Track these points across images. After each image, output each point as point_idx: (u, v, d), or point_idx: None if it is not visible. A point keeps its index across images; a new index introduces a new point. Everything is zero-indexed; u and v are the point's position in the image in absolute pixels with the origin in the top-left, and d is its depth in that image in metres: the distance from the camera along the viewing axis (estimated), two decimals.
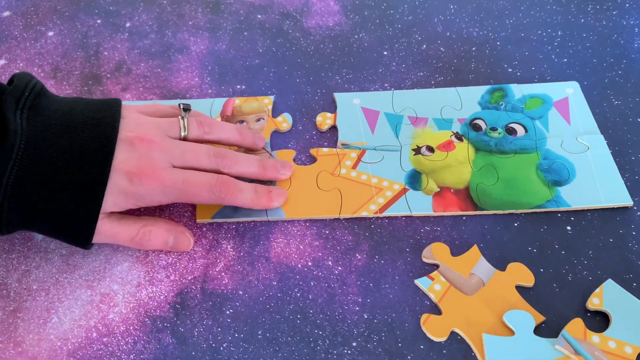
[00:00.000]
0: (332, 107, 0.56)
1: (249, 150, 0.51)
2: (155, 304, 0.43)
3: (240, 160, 0.46)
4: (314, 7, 0.67)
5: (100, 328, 0.42)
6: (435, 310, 0.42)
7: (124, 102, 0.43)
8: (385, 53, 0.61)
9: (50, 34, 0.65)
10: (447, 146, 0.51)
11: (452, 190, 0.48)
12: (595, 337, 0.39)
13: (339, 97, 0.56)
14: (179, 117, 0.46)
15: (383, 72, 0.59)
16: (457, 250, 0.45)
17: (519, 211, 0.47)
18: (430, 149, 0.51)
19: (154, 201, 0.42)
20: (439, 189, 0.48)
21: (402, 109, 0.55)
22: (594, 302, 0.41)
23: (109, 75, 0.60)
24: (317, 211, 0.47)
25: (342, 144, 0.52)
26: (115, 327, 0.42)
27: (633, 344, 0.38)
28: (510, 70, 0.58)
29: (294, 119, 0.55)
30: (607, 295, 0.41)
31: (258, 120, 0.54)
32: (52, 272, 0.45)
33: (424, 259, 0.44)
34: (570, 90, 0.55)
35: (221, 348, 0.41)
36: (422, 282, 0.43)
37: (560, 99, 0.55)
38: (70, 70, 0.60)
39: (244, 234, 0.47)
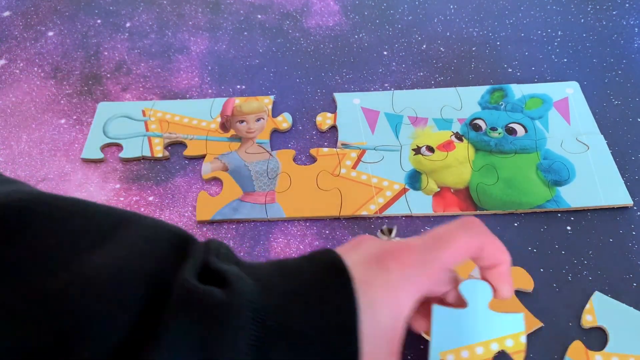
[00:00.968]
0: (332, 107, 0.56)
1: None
2: None
3: None
4: (314, 7, 0.67)
5: None
6: None
7: None
8: (385, 53, 0.61)
9: (50, 34, 0.65)
10: (447, 146, 0.51)
11: (452, 190, 0.48)
12: (598, 357, 0.39)
13: (339, 97, 0.56)
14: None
15: (383, 72, 0.59)
16: None
17: (519, 211, 0.47)
18: (430, 149, 0.51)
19: None
20: (439, 189, 0.48)
21: (402, 109, 0.54)
22: (588, 319, 0.41)
23: (109, 75, 0.60)
24: (317, 211, 0.47)
25: (342, 144, 0.52)
26: None
27: (636, 355, 0.38)
28: (510, 70, 0.58)
29: (294, 119, 0.55)
30: (598, 310, 0.41)
31: (258, 120, 0.54)
32: None
33: None
34: (570, 90, 0.55)
35: None
36: None
37: (560, 99, 0.55)
38: (70, 70, 0.60)
39: (244, 234, 0.47)
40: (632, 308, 0.41)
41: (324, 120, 0.54)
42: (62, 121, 0.56)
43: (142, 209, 0.48)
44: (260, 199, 0.48)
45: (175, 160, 0.52)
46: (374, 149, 0.51)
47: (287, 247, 0.46)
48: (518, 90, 0.55)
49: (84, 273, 0.24)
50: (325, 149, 0.52)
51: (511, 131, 0.52)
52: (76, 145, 0.53)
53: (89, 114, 0.56)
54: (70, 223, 0.26)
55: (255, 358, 0.24)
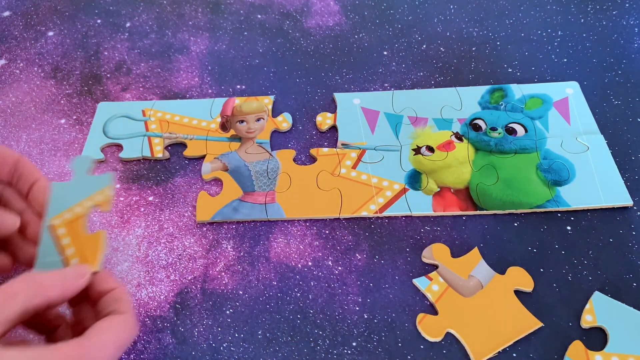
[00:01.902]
0: (332, 107, 0.56)
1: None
2: (155, 304, 0.43)
3: None
4: (314, 7, 0.67)
5: None
6: (432, 310, 0.42)
7: None
8: (385, 53, 0.61)
9: (50, 34, 0.65)
10: (447, 146, 0.51)
11: (452, 190, 0.48)
12: (598, 357, 0.39)
13: (339, 97, 0.56)
14: None
15: (383, 72, 0.59)
16: (457, 250, 0.45)
17: (519, 211, 0.47)
18: (430, 149, 0.51)
19: None
20: (439, 189, 0.48)
21: (402, 109, 0.55)
22: (587, 319, 0.41)
23: (109, 75, 0.60)
24: (317, 211, 0.47)
25: (342, 144, 0.52)
26: None
27: (636, 355, 0.38)
28: (510, 70, 0.58)
29: (294, 119, 0.55)
30: (598, 310, 0.41)
31: (258, 120, 0.54)
32: None
33: (424, 259, 0.44)
34: (570, 90, 0.55)
35: (221, 348, 0.41)
36: (420, 282, 0.43)
37: (560, 99, 0.55)
38: (70, 70, 0.60)
39: (244, 234, 0.47)
40: (632, 308, 0.41)
41: (324, 120, 0.54)
42: (62, 121, 0.56)
43: (142, 209, 0.48)
44: (260, 199, 0.48)
45: (175, 160, 0.52)
46: (374, 149, 0.51)
47: (287, 247, 0.46)
48: (518, 90, 0.55)
49: None
50: (325, 149, 0.52)
51: (511, 131, 0.52)
52: (76, 145, 0.53)
53: (89, 114, 0.56)
54: None
55: None
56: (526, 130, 0.52)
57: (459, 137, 0.52)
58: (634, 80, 0.57)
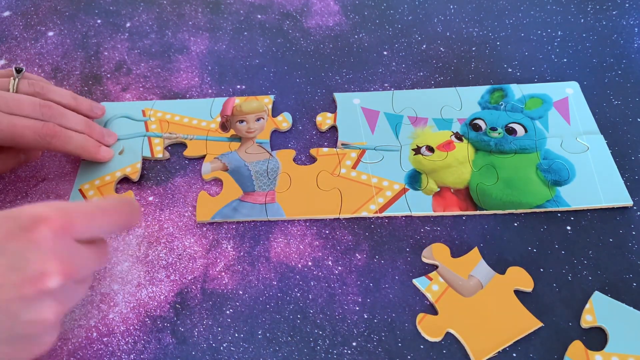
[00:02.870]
0: (332, 107, 0.56)
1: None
2: (155, 303, 0.43)
3: (67, 115, 0.48)
4: (314, 7, 0.67)
5: (101, 328, 0.42)
6: (432, 310, 0.42)
7: None
8: (385, 53, 0.61)
9: (50, 34, 0.65)
10: (447, 146, 0.51)
11: (452, 190, 0.48)
12: (598, 357, 0.39)
13: (339, 97, 0.56)
14: (11, 77, 0.48)
15: (383, 72, 0.59)
16: (457, 250, 0.45)
17: (519, 211, 0.47)
18: (430, 149, 0.51)
19: None
20: (438, 189, 0.48)
21: (402, 109, 0.55)
22: (587, 319, 0.41)
23: (109, 75, 0.60)
24: (317, 211, 0.47)
25: (342, 144, 0.52)
26: (116, 327, 0.42)
27: (636, 355, 0.38)
28: (510, 70, 0.58)
29: (294, 118, 0.55)
30: (598, 310, 0.41)
31: (258, 119, 0.54)
32: None
33: (424, 259, 0.45)
34: (570, 90, 0.55)
35: (221, 348, 0.41)
36: (420, 282, 0.43)
37: (560, 99, 0.55)
38: (70, 70, 0.60)
39: (244, 234, 0.47)
40: (632, 308, 0.41)
41: (324, 120, 0.54)
42: None
43: (142, 209, 0.48)
44: (260, 199, 0.48)
45: (175, 160, 0.52)
46: (374, 149, 0.51)
47: (287, 247, 0.46)
48: (518, 90, 0.55)
49: None
50: (325, 149, 0.52)
51: (511, 131, 0.52)
52: None
53: None
54: None
55: None
56: (526, 130, 0.52)
57: (459, 137, 0.52)
58: (634, 80, 0.57)
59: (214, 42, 0.63)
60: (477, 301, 0.42)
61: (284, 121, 0.54)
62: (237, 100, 0.56)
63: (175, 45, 0.63)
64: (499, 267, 0.44)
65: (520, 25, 0.63)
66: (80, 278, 0.33)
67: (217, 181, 0.50)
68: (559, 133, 0.52)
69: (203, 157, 0.52)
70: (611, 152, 0.50)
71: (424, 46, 0.61)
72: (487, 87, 0.56)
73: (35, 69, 0.61)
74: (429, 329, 0.41)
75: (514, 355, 0.39)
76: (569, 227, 0.46)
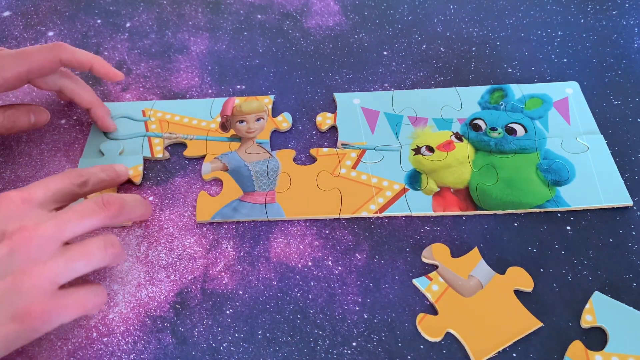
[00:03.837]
0: (332, 107, 0.56)
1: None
2: (155, 304, 0.43)
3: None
4: (314, 7, 0.67)
5: (100, 328, 0.42)
6: (432, 310, 0.42)
7: None
8: (385, 53, 0.61)
9: (50, 34, 0.65)
10: (447, 146, 0.51)
11: (452, 190, 0.48)
12: (598, 357, 0.39)
13: (339, 97, 0.56)
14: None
15: (383, 72, 0.59)
16: (457, 250, 0.45)
17: (519, 211, 0.47)
18: (430, 149, 0.51)
19: None
20: (438, 189, 0.48)
21: (402, 109, 0.55)
22: (587, 319, 0.41)
23: None
24: (317, 211, 0.47)
25: (342, 144, 0.52)
26: (116, 327, 0.42)
27: (636, 355, 0.38)
28: (510, 70, 0.58)
29: (294, 118, 0.55)
30: (598, 310, 0.41)
31: (258, 119, 0.54)
32: None
33: (424, 259, 0.45)
34: (570, 90, 0.55)
35: (221, 348, 0.41)
36: (419, 282, 0.43)
37: (560, 99, 0.55)
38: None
39: (244, 234, 0.47)
40: (632, 308, 0.41)
41: (324, 120, 0.54)
42: (62, 121, 0.56)
43: None
44: (260, 199, 0.48)
45: (175, 160, 0.52)
46: (374, 149, 0.51)
47: (287, 247, 0.46)
48: (518, 90, 0.55)
49: None
50: (325, 149, 0.52)
51: (511, 131, 0.52)
52: (76, 145, 0.53)
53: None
54: None
55: None
56: (526, 130, 0.52)
57: (459, 137, 0.52)
58: (634, 80, 0.57)
59: (214, 42, 0.63)
60: (477, 301, 0.42)
61: (284, 121, 0.54)
62: (237, 100, 0.56)
63: (175, 45, 0.63)
64: (499, 267, 0.44)
65: (520, 25, 0.63)
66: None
67: (217, 181, 0.50)
68: (559, 133, 0.52)
69: (203, 157, 0.52)
70: (611, 152, 0.50)
71: (424, 46, 0.61)
72: (487, 87, 0.56)
73: None
74: (429, 329, 0.41)
75: (514, 355, 0.39)
76: (569, 227, 0.46)
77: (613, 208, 0.47)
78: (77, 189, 0.42)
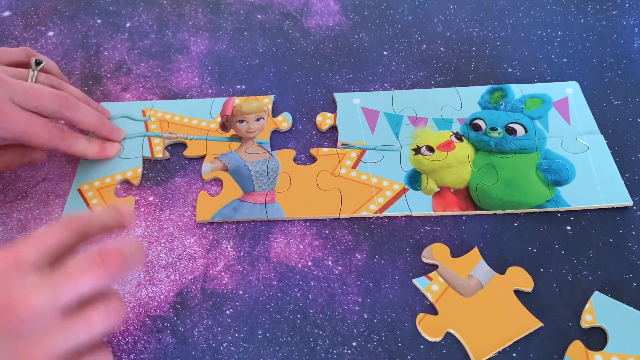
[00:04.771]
0: (332, 107, 0.56)
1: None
2: (155, 303, 0.43)
3: (81, 108, 0.48)
4: (314, 7, 0.67)
5: None
6: (432, 310, 0.42)
7: None
8: (385, 53, 0.61)
9: (50, 34, 0.65)
10: (447, 146, 0.51)
11: (452, 190, 0.48)
12: (598, 357, 0.39)
13: (339, 97, 0.56)
14: (30, 69, 0.49)
15: (383, 72, 0.59)
16: (457, 249, 0.45)
17: (519, 211, 0.47)
18: (430, 149, 0.51)
19: None
20: (439, 189, 0.48)
21: (402, 109, 0.55)
22: (587, 319, 0.41)
23: (109, 75, 0.60)
24: (317, 211, 0.47)
25: (342, 144, 0.52)
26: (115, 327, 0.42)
27: (636, 355, 0.38)
28: (510, 70, 0.58)
29: (294, 118, 0.55)
30: (598, 310, 0.41)
31: (258, 119, 0.54)
32: None
33: (424, 259, 0.45)
34: (570, 90, 0.55)
35: (221, 348, 0.41)
36: (420, 282, 0.43)
37: (560, 99, 0.55)
38: (70, 70, 0.60)
39: (244, 234, 0.47)
40: (632, 308, 0.41)
41: (324, 120, 0.54)
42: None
43: (142, 209, 0.48)
44: (260, 199, 0.48)
45: (175, 160, 0.52)
46: (374, 149, 0.51)
47: (287, 247, 0.46)
48: (518, 90, 0.55)
49: None
50: (325, 149, 0.52)
51: (511, 131, 0.52)
52: None
53: None
54: None
55: None
56: (526, 130, 0.52)
57: (459, 137, 0.52)
58: (634, 80, 0.57)
59: (214, 42, 0.63)
60: (477, 301, 0.42)
61: (284, 121, 0.54)
62: (237, 100, 0.56)
63: (175, 45, 0.63)
64: (499, 267, 0.44)
65: (520, 25, 0.63)
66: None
67: (217, 181, 0.50)
68: (559, 133, 0.52)
69: (203, 157, 0.52)
70: (611, 152, 0.50)
71: (424, 46, 0.61)
72: (487, 87, 0.56)
73: None
74: (429, 329, 0.41)
75: (514, 355, 0.39)
76: (569, 227, 0.46)
77: (613, 208, 0.47)
78: (76, 241, 0.36)
